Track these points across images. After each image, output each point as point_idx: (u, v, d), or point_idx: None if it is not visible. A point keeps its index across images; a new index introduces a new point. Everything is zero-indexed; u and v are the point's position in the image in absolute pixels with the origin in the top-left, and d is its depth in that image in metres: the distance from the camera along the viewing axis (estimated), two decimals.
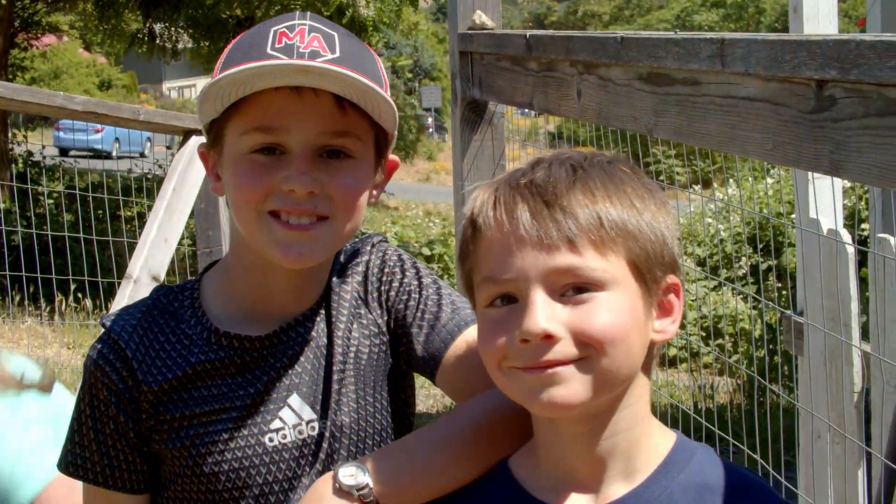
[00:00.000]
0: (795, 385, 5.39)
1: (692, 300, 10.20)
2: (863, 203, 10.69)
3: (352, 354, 2.29)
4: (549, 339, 1.85)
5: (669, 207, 2.00)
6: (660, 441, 2.01)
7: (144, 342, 2.25)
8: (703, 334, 8.71)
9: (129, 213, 10.89)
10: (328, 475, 2.10)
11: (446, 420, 2.18)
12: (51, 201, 14.04)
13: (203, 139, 2.28)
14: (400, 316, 2.33)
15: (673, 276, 1.97)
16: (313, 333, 2.28)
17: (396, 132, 2.28)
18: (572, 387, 1.87)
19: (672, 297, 1.98)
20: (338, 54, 2.12)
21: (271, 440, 2.23)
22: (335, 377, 2.27)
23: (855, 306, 4.78)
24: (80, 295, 10.66)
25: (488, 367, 1.95)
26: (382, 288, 2.35)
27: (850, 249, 4.76)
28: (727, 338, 9.64)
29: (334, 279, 2.33)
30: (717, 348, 8.96)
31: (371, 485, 2.06)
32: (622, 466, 1.97)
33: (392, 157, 2.32)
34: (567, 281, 1.87)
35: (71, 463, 2.29)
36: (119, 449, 2.25)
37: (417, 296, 2.33)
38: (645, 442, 1.98)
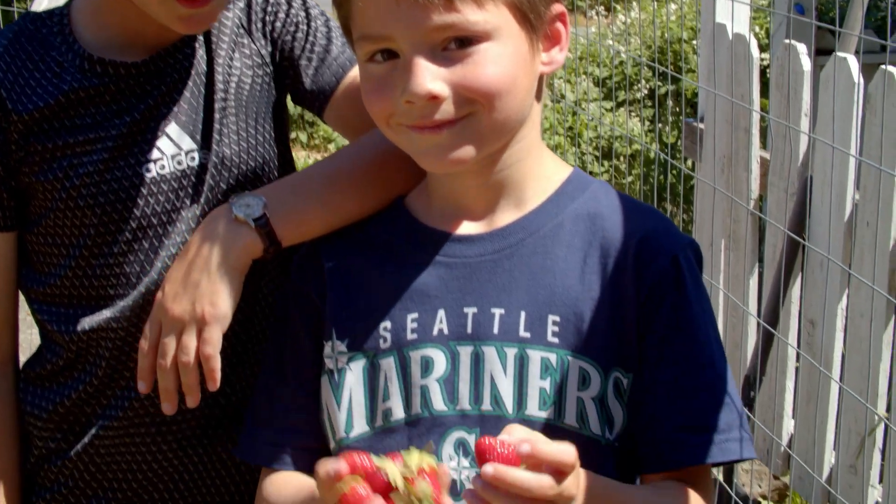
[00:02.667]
0: (694, 199, 5.36)
1: (589, 120, 10.18)
2: (762, 32, 10.68)
3: (233, 84, 2.19)
4: (434, 100, 1.80)
5: None
6: (554, 173, 2.02)
7: (12, 69, 2.12)
8: (598, 154, 8.69)
9: None
10: (223, 206, 2.03)
11: (342, 154, 2.13)
12: None
13: None
14: (287, 48, 2.23)
15: (557, 4, 1.91)
16: (193, 61, 2.17)
17: None
18: (462, 144, 1.84)
19: (558, 24, 1.92)
20: None
21: (149, 171, 2.13)
22: (217, 106, 2.17)
23: (755, 116, 4.72)
24: None
25: (377, 122, 1.90)
26: (267, 18, 2.24)
27: (755, 54, 4.69)
28: (622, 159, 9.63)
29: None
30: (611, 168, 8.95)
31: (268, 215, 2.00)
32: (514, 196, 1.97)
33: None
34: (447, 35, 1.79)
35: None
36: None
37: (306, 27, 2.23)
38: (537, 172, 1.99)
